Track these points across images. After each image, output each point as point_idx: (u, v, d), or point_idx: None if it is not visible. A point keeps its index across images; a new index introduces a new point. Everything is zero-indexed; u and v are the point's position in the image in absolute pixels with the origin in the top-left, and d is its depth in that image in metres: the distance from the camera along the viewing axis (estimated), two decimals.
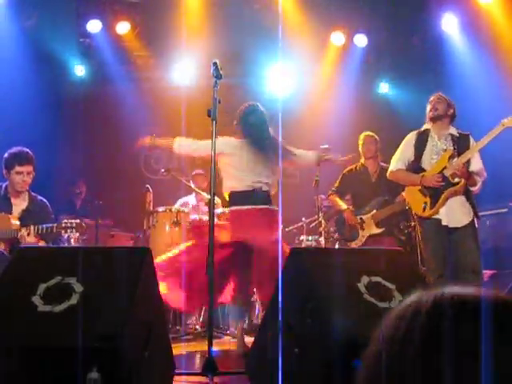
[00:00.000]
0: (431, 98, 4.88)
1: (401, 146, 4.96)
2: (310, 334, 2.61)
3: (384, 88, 7.97)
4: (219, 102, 3.53)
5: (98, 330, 2.33)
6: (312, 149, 6.93)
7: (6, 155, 4.74)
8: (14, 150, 4.74)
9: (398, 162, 4.91)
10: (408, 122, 7.58)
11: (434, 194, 4.69)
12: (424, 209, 4.72)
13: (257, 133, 4.53)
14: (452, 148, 4.72)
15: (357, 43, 7.85)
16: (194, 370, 3.48)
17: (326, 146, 6.12)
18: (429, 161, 4.78)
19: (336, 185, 6.06)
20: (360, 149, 6.05)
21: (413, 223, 6.13)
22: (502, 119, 4.57)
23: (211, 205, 3.48)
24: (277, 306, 2.78)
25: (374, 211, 5.80)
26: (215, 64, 3.55)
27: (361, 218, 5.84)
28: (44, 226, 4.49)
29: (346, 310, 2.57)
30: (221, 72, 3.54)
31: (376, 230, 5.77)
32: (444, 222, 4.66)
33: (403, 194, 5.47)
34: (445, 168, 4.69)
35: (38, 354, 2.33)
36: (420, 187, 4.76)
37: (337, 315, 2.54)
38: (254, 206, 4.40)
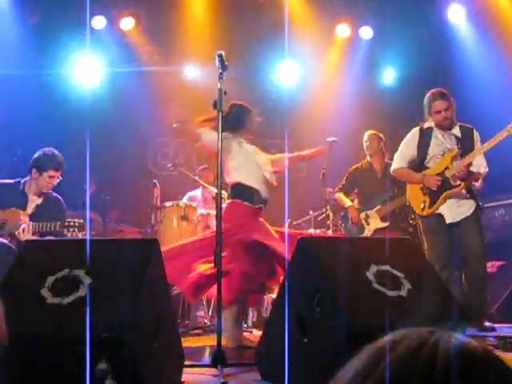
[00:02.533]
0: (440, 113, 4.71)
1: (403, 144, 4.94)
2: (319, 323, 2.60)
3: (390, 80, 7.93)
4: (225, 94, 3.51)
5: (107, 322, 2.33)
6: (318, 141, 6.93)
7: (39, 155, 4.69)
8: (48, 151, 4.70)
9: (400, 159, 4.91)
10: (414, 113, 7.56)
11: (434, 194, 4.69)
12: (423, 208, 4.75)
13: None
14: (456, 148, 4.69)
15: (362, 35, 7.81)
16: (204, 362, 3.48)
17: (333, 139, 6.14)
18: (434, 160, 4.76)
19: (342, 182, 6.18)
20: (364, 146, 6.12)
21: None
22: (510, 124, 4.46)
23: (218, 198, 3.47)
24: (285, 295, 2.77)
25: (379, 206, 5.88)
26: (220, 56, 3.52)
27: (366, 214, 5.90)
28: (45, 223, 4.48)
29: (355, 299, 2.56)
30: (226, 63, 3.52)
31: (381, 224, 5.86)
32: (448, 219, 4.66)
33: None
34: (447, 168, 4.68)
35: (47, 346, 2.33)
36: (421, 185, 4.75)
37: (345, 304, 2.53)
38: None
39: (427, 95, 4.82)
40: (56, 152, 4.75)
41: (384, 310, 2.44)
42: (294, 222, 6.90)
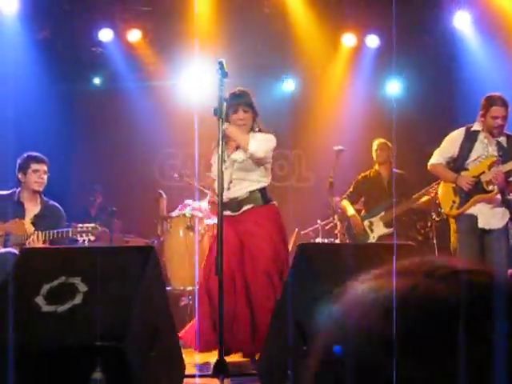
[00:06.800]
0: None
1: (446, 141, 4.88)
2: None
3: (396, 88, 7.88)
4: (225, 101, 3.50)
5: (102, 330, 2.30)
6: (325, 150, 6.92)
7: (19, 161, 4.85)
8: (26, 154, 4.85)
9: (439, 156, 4.87)
10: (421, 121, 7.52)
11: (465, 196, 4.66)
12: (451, 208, 4.73)
13: None
14: (496, 155, 4.63)
15: (368, 44, 7.78)
16: (205, 373, 3.43)
17: (340, 148, 6.12)
18: (475, 163, 4.71)
19: (350, 190, 6.16)
20: (373, 154, 6.14)
21: (429, 223, 6.14)
22: None
23: (220, 206, 3.44)
24: (285, 303, 2.73)
25: (382, 213, 5.90)
26: (220, 63, 3.53)
27: (370, 221, 5.91)
28: (56, 231, 4.51)
29: None
30: (226, 71, 3.52)
31: (385, 231, 5.87)
32: (479, 225, 4.62)
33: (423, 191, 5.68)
34: (483, 173, 4.64)
35: (42, 355, 2.30)
36: (454, 185, 4.72)
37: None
38: None
39: (486, 98, 4.70)
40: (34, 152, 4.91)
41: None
42: (302, 232, 6.86)
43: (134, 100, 7.75)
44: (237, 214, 4.02)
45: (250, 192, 4.06)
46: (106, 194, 7.22)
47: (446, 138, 4.88)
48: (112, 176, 7.41)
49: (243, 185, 4.07)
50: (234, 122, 4.00)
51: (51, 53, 7.49)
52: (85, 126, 7.95)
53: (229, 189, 4.00)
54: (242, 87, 4.24)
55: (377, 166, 6.15)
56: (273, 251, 3.84)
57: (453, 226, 4.80)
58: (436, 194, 5.22)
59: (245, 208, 4.05)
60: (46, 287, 2.44)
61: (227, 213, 3.83)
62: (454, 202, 4.72)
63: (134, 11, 7.56)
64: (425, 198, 5.80)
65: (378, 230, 5.89)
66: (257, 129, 4.17)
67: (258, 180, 4.11)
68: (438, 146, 4.95)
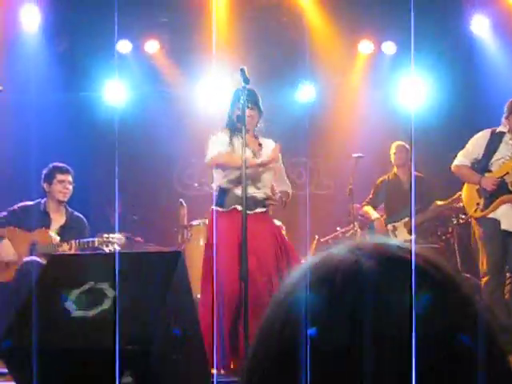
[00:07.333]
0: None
1: (471, 142, 4.87)
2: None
3: (413, 94, 7.86)
4: (248, 107, 3.53)
5: (131, 334, 2.32)
6: (344, 158, 6.92)
7: (44, 171, 4.93)
8: (51, 164, 4.92)
9: (464, 157, 4.84)
10: (440, 126, 7.48)
11: (489, 197, 4.63)
12: (475, 210, 4.71)
13: None
14: None
15: (385, 51, 7.78)
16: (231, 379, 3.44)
17: (359, 155, 6.13)
18: (499, 164, 4.69)
19: (370, 196, 6.12)
20: (391, 157, 6.11)
21: (450, 229, 6.09)
22: None
23: (244, 207, 3.46)
24: None
25: (407, 219, 5.82)
26: (242, 70, 3.58)
27: (393, 226, 5.83)
28: (85, 240, 4.55)
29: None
30: (248, 77, 3.56)
31: (409, 237, 5.78)
32: (503, 226, 4.58)
33: (459, 193, 5.54)
34: (507, 174, 4.61)
35: (71, 358, 2.33)
36: (478, 187, 4.70)
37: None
38: None
39: (511, 101, 4.74)
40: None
41: None
42: (322, 239, 6.84)
43: (153, 110, 7.81)
44: (249, 213, 3.77)
45: (266, 194, 4.06)
46: (126, 203, 7.26)
47: (471, 140, 4.86)
48: (132, 185, 7.46)
49: (260, 185, 4.03)
50: None
51: (71, 64, 7.59)
52: (104, 136, 8.01)
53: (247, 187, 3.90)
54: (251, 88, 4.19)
55: (395, 169, 6.12)
56: (272, 274, 3.76)
57: (476, 229, 4.77)
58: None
59: (258, 210, 3.97)
60: (75, 292, 2.47)
61: (239, 208, 3.72)
62: (478, 204, 4.69)
63: (150, 22, 7.65)
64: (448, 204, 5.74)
65: (401, 235, 5.82)
66: (259, 125, 4.10)
67: (269, 186, 4.12)
68: (458, 151, 4.94)
